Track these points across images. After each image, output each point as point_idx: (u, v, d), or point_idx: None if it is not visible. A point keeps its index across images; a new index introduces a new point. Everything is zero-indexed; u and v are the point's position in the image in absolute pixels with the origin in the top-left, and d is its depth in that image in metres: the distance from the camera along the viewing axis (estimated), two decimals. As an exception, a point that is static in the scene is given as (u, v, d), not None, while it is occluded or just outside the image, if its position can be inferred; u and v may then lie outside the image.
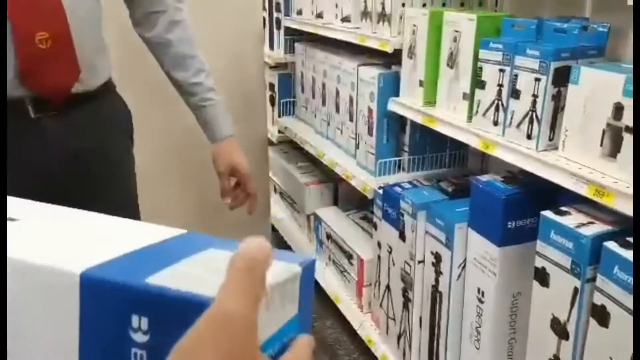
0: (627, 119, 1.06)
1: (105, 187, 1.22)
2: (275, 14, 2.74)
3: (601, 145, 1.12)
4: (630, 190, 1.03)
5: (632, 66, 1.18)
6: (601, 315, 1.05)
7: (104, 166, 1.21)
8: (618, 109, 1.07)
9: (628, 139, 1.06)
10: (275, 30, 2.77)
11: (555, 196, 1.24)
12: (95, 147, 1.18)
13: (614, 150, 1.09)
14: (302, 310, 0.37)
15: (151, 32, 1.34)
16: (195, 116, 1.42)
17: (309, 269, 0.37)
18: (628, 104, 1.06)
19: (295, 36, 2.69)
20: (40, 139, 1.11)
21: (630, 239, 1.04)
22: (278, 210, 2.83)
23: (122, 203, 1.27)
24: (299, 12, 2.50)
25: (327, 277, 2.24)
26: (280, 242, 2.75)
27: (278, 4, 2.71)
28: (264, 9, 2.70)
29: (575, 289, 1.10)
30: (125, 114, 1.30)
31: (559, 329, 1.15)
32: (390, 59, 1.93)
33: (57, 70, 1.09)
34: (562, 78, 1.21)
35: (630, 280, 0.98)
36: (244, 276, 0.30)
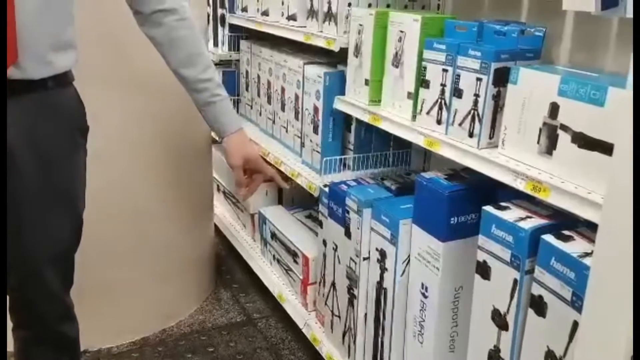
0: (562, 117, 1.11)
1: (36, 182, 1.17)
2: (219, 11, 2.70)
3: (538, 142, 1.17)
4: (565, 186, 1.08)
5: (567, 68, 1.24)
6: (539, 306, 1.10)
7: (35, 160, 1.16)
8: (554, 109, 1.13)
9: (563, 137, 1.11)
10: (219, 27, 2.73)
11: (496, 192, 1.28)
12: (25, 138, 1.13)
13: (550, 148, 1.14)
14: None
15: (158, 31, 1.33)
16: (202, 112, 1.43)
17: None
18: (563, 103, 1.11)
19: (239, 33, 2.66)
20: None
21: (566, 232, 1.10)
22: (221, 210, 2.79)
23: (56, 200, 1.21)
24: (244, 9, 2.48)
25: (272, 277, 2.22)
26: (223, 243, 2.71)
27: (222, 0, 2.67)
28: (208, 4, 2.65)
29: (515, 281, 1.14)
30: (75, 108, 1.26)
31: (499, 321, 1.19)
32: (334, 59, 1.94)
33: None
34: (502, 78, 1.25)
35: (566, 271, 1.03)
36: None
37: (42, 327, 1.31)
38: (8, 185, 1.14)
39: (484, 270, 1.21)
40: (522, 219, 1.16)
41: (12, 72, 1.09)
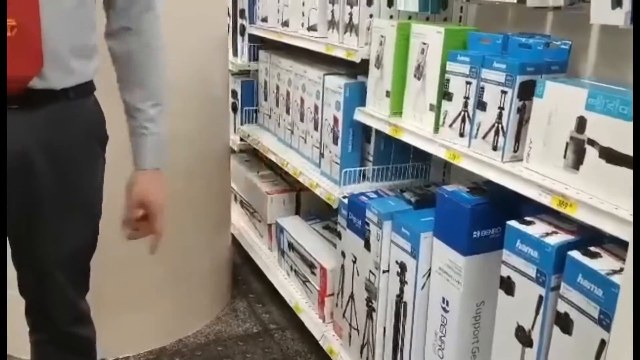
0: (590, 132, 1.10)
1: (51, 189, 1.17)
2: (239, 21, 2.72)
3: (564, 157, 1.15)
4: (592, 201, 1.06)
5: (592, 82, 1.23)
6: (565, 323, 1.08)
7: (52, 168, 1.16)
8: (581, 123, 1.11)
9: (590, 151, 1.10)
10: (239, 37, 2.75)
11: (519, 206, 1.27)
12: (42, 147, 1.14)
13: (577, 162, 1.12)
14: None
15: (117, 46, 1.27)
16: (129, 138, 1.32)
17: None
18: (590, 117, 1.09)
19: (258, 43, 2.68)
20: None
21: (593, 248, 1.08)
22: (238, 220, 2.79)
23: (71, 208, 1.21)
24: (264, 20, 2.49)
25: (288, 287, 2.21)
26: (240, 252, 2.71)
27: (243, 10, 2.69)
28: (228, 15, 2.67)
29: (540, 297, 1.12)
30: (95, 119, 1.26)
31: (523, 337, 1.17)
32: (355, 69, 1.94)
33: (18, 61, 1.05)
34: (527, 91, 1.24)
35: (594, 288, 1.01)
36: None
37: (55, 330, 1.32)
38: (25, 191, 1.15)
39: (508, 286, 1.20)
40: (547, 234, 1.14)
41: (34, 82, 1.09)
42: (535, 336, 1.15)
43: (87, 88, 1.22)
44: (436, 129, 1.49)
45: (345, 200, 1.75)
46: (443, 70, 1.44)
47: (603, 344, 1.00)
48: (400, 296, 1.55)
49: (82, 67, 1.17)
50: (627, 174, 1.02)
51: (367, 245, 1.64)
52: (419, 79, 1.54)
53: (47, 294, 1.28)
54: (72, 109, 1.18)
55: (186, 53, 1.92)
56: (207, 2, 2.05)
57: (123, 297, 1.97)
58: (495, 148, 1.30)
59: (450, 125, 1.42)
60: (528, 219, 1.20)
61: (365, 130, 1.88)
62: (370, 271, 1.65)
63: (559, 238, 1.12)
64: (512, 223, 1.19)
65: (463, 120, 1.38)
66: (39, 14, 1.05)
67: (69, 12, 1.11)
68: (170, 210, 2.00)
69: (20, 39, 1.04)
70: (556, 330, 1.10)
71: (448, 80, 1.41)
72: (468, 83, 1.36)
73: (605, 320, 1.00)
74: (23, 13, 1.04)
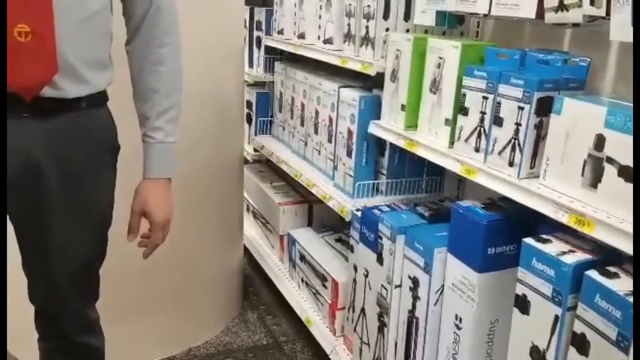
0: (609, 150, 1.08)
1: (61, 198, 1.17)
2: (256, 33, 2.74)
3: (582, 175, 1.13)
4: (611, 220, 1.05)
5: (612, 100, 1.22)
6: (581, 344, 1.06)
7: (62, 177, 1.16)
8: (600, 140, 1.10)
9: (609, 170, 1.08)
10: (255, 49, 2.76)
11: (535, 224, 1.25)
12: (52, 156, 1.14)
13: (595, 181, 1.11)
14: None
15: (129, 51, 1.28)
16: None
17: None
18: (609, 135, 1.08)
19: (273, 55, 2.69)
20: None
21: (611, 268, 1.06)
22: (250, 230, 2.79)
23: (80, 217, 1.21)
24: (280, 32, 2.50)
25: (299, 300, 2.20)
26: (251, 263, 2.71)
27: (259, 22, 2.71)
28: (245, 27, 2.70)
29: (556, 317, 1.10)
30: (106, 129, 1.26)
31: (538, 357, 1.15)
32: (370, 83, 1.94)
33: (31, 66, 1.05)
34: (544, 108, 1.23)
35: (612, 309, 0.99)
36: None
37: (64, 339, 1.32)
38: (35, 200, 1.15)
39: (522, 305, 1.18)
40: (564, 252, 1.12)
41: (47, 90, 1.09)
42: (550, 357, 1.13)
43: (99, 98, 1.22)
44: (451, 143, 1.48)
45: (358, 213, 1.74)
46: (459, 85, 1.43)
47: (621, 366, 0.98)
48: (412, 312, 1.53)
49: (95, 77, 1.17)
50: (647, 193, 1.00)
51: (380, 259, 1.63)
52: (434, 93, 1.54)
53: (56, 303, 1.28)
54: (83, 118, 1.18)
55: (202, 63, 1.93)
56: (224, 13, 2.06)
57: (133, 306, 1.97)
58: (511, 164, 1.28)
59: (466, 140, 1.41)
60: (544, 236, 1.18)
61: (380, 143, 1.88)
62: (383, 285, 1.63)
63: (576, 257, 1.10)
64: (528, 240, 1.17)
65: (479, 136, 1.37)
66: (54, 21, 1.05)
67: (84, 21, 1.11)
68: (183, 219, 2.01)
69: (34, 45, 1.04)
70: (572, 351, 1.08)
71: (464, 95, 1.41)
72: (485, 98, 1.35)
73: (623, 343, 0.97)
74: (37, 19, 1.04)
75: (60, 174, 1.16)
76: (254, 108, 2.75)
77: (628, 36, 1.04)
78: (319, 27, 2.14)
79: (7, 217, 1.19)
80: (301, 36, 2.30)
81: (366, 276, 1.72)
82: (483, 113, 1.36)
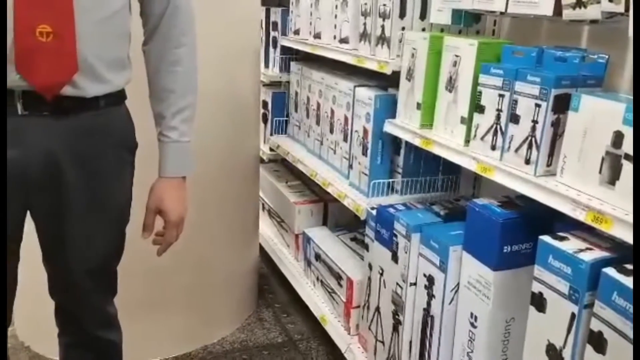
0: (627, 147, 1.07)
1: (80, 196, 1.19)
2: (272, 33, 2.76)
3: (600, 172, 1.13)
4: (629, 218, 1.04)
5: (630, 96, 1.20)
6: (598, 342, 1.05)
7: (81, 175, 1.18)
8: (618, 137, 1.09)
9: (627, 167, 1.07)
10: (271, 49, 2.78)
11: (551, 221, 1.24)
12: (71, 154, 1.16)
13: (613, 178, 1.10)
14: None
15: (146, 51, 1.30)
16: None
17: None
18: (628, 132, 1.07)
19: (289, 55, 2.71)
20: (22, 137, 1.10)
21: (629, 266, 1.05)
22: (265, 229, 2.80)
23: (98, 214, 1.23)
24: (296, 32, 2.52)
25: (314, 298, 2.21)
26: (266, 261, 2.72)
27: (275, 23, 2.73)
28: (261, 27, 2.71)
29: (573, 315, 1.09)
30: (124, 127, 1.28)
31: (555, 356, 1.15)
32: (385, 82, 1.94)
33: (52, 66, 1.07)
34: (561, 105, 1.22)
35: (629, 307, 0.98)
36: None
37: (83, 334, 1.34)
38: (53, 197, 1.17)
39: (539, 302, 1.17)
40: (581, 250, 1.11)
41: (66, 89, 1.11)
42: (566, 355, 1.12)
43: (117, 97, 1.23)
44: (467, 141, 1.47)
45: (374, 212, 1.74)
46: (475, 83, 1.43)
47: (639, 365, 0.97)
48: (427, 310, 1.53)
49: (114, 76, 1.19)
50: (666, 190, 0.99)
51: (395, 258, 1.63)
52: (450, 91, 1.53)
53: (75, 298, 1.30)
54: (102, 117, 1.19)
55: (218, 63, 1.95)
56: (241, 14, 2.08)
57: (150, 303, 2.00)
58: (528, 162, 1.28)
59: (482, 138, 1.41)
60: (561, 234, 1.18)
61: (395, 142, 1.88)
62: (398, 284, 1.63)
63: (594, 254, 1.10)
64: (545, 238, 1.16)
65: (495, 133, 1.37)
66: (74, 21, 1.07)
67: (104, 21, 1.13)
68: (200, 218, 2.03)
69: (55, 46, 1.06)
70: (589, 349, 1.07)
71: (480, 92, 1.40)
72: (501, 96, 1.34)
73: (641, 341, 0.97)
74: (58, 19, 1.06)
75: (79, 171, 1.18)
76: (269, 108, 2.76)
77: (647, 32, 1.04)
78: (335, 26, 2.15)
79: (28, 212, 1.21)
80: (317, 36, 2.31)
81: (381, 274, 1.72)
82: (499, 111, 1.35)
